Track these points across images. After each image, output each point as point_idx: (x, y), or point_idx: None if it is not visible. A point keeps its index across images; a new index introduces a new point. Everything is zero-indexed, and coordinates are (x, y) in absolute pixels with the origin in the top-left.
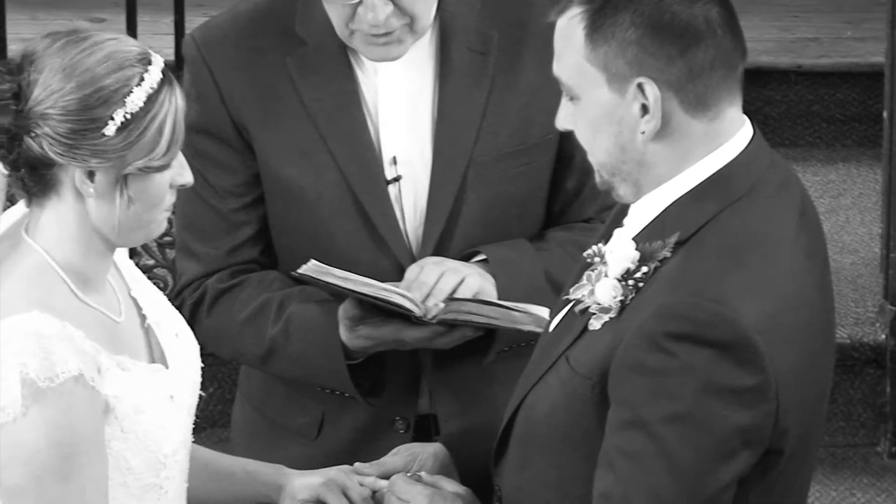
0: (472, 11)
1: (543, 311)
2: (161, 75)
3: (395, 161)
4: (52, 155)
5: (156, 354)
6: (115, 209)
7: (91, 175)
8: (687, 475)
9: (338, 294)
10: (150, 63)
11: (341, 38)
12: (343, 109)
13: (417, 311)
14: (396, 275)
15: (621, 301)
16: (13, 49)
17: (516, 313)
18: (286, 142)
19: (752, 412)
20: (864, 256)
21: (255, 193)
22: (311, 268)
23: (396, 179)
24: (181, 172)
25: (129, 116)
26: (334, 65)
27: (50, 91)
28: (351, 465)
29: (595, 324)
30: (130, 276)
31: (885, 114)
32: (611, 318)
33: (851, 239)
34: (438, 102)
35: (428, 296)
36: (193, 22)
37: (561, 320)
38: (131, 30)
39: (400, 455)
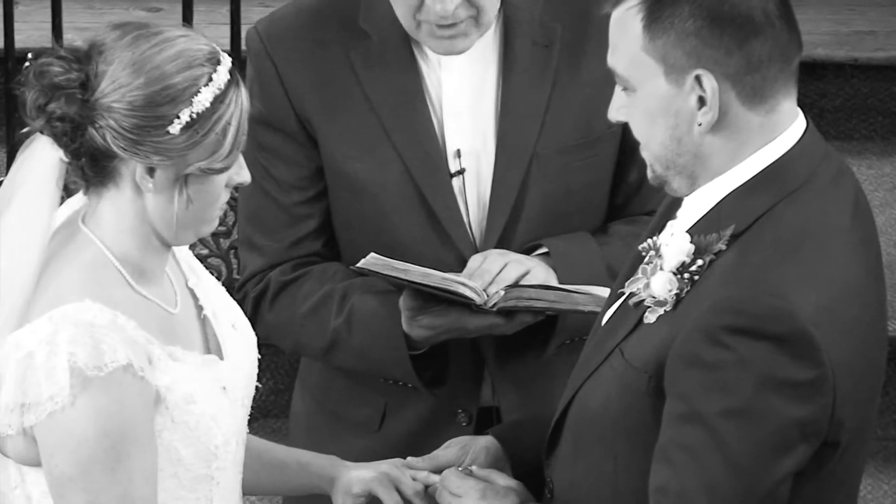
0: (536, 4)
1: (604, 292)
2: (228, 76)
3: (458, 154)
4: (114, 148)
5: (211, 345)
6: (173, 207)
7: (151, 171)
8: (744, 469)
9: (398, 286)
10: (218, 63)
11: (407, 30)
12: (407, 102)
13: (478, 299)
14: (459, 267)
15: (677, 294)
16: (69, 38)
17: (577, 295)
18: (350, 135)
19: (810, 405)
20: None
21: (318, 187)
22: (371, 261)
23: (460, 172)
24: (239, 172)
25: (194, 116)
26: (398, 58)
27: (118, 84)
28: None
29: (650, 317)
30: (189, 267)
31: None
32: (666, 312)
33: None
34: (502, 95)
35: (490, 284)
36: (249, 12)
37: (614, 313)
38: (187, 19)
39: (452, 448)
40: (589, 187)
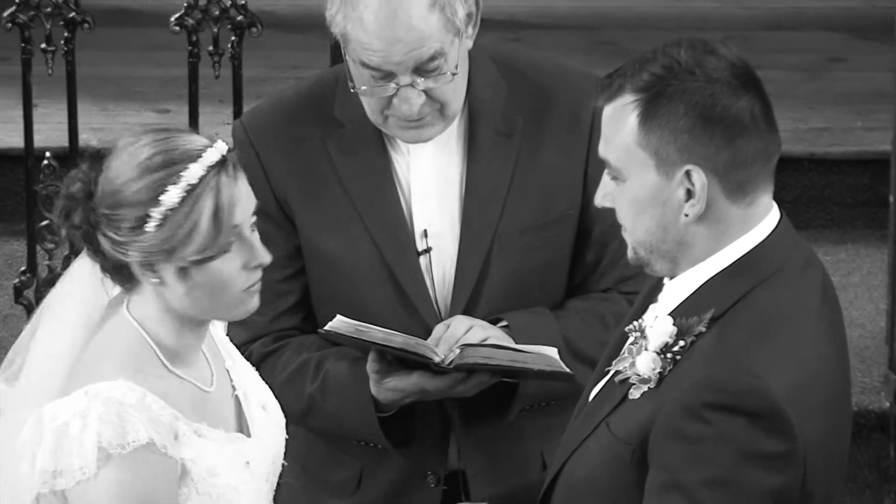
0: (499, 97)
1: (552, 351)
2: (204, 171)
3: (425, 234)
4: (112, 251)
5: (242, 423)
6: (184, 296)
7: (151, 267)
8: None
9: (364, 349)
10: (194, 160)
11: (375, 124)
12: (377, 186)
13: (436, 358)
14: (425, 338)
15: (660, 373)
16: (84, 137)
17: (527, 354)
18: (325, 216)
19: (783, 476)
20: (870, 330)
21: (296, 265)
22: (336, 324)
23: (427, 251)
24: (252, 254)
25: (166, 214)
26: (370, 145)
27: (105, 192)
28: None
29: (635, 393)
30: (225, 351)
31: (891, 198)
32: (650, 389)
33: (859, 314)
34: (466, 180)
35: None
36: None
37: (601, 390)
38: (193, 119)
39: None
40: (547, 266)
